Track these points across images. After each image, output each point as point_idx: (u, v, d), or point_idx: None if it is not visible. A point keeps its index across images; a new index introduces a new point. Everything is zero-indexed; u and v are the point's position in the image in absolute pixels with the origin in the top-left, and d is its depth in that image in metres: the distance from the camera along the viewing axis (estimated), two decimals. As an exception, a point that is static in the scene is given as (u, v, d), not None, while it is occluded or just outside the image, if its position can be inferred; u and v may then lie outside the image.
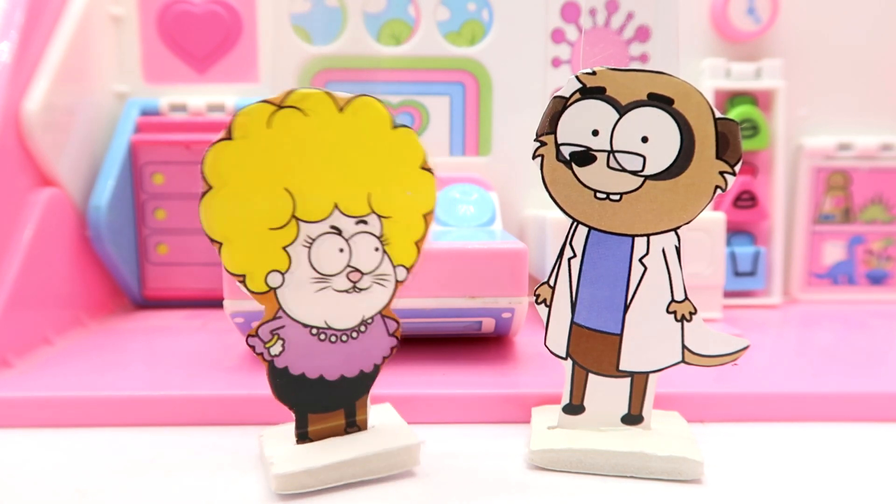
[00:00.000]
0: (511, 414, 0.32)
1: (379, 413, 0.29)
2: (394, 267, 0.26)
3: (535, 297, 0.28)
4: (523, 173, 0.53)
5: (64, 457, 0.29)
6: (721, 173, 0.25)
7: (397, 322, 0.27)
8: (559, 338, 0.28)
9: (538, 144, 0.26)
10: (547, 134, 0.26)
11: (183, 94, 0.52)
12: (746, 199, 0.53)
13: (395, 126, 0.25)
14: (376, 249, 0.26)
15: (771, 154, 0.53)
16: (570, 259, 0.27)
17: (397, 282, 0.26)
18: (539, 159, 0.27)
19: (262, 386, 0.33)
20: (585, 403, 0.28)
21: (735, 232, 0.53)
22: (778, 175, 0.53)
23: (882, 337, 0.45)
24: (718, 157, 0.25)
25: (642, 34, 0.53)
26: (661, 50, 0.52)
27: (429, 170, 0.26)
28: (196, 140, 0.49)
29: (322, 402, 0.27)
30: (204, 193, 0.24)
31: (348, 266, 0.26)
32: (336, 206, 0.25)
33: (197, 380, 0.35)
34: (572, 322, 0.28)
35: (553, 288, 0.28)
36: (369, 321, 0.27)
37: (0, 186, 0.39)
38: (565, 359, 0.28)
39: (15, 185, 0.41)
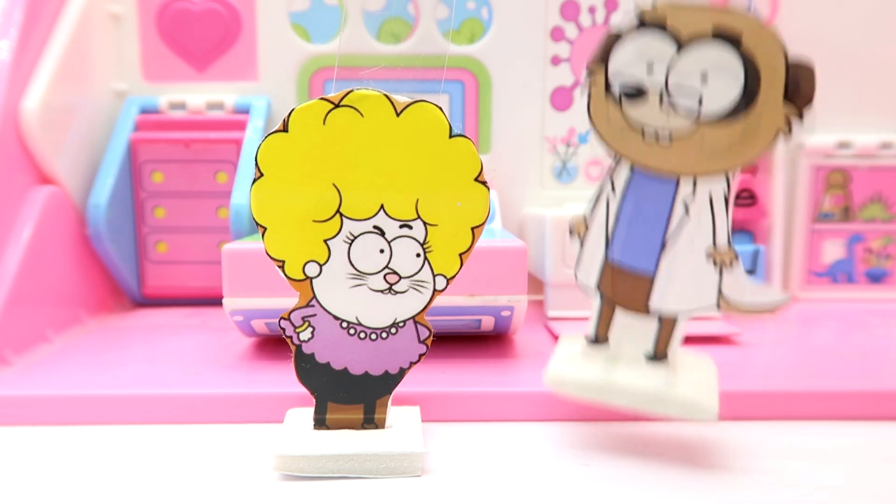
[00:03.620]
0: (510, 412, 0.32)
1: (403, 415, 0.29)
2: (434, 275, 0.26)
3: (568, 231, 0.28)
4: (523, 172, 0.54)
5: (62, 455, 0.29)
6: (787, 118, 0.24)
7: (430, 330, 0.27)
8: (590, 272, 0.27)
9: (587, 74, 0.25)
10: (597, 69, 0.25)
11: (182, 92, 0.52)
12: (746, 198, 0.53)
13: (453, 135, 0.25)
14: (417, 255, 0.26)
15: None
16: (608, 195, 0.26)
17: (435, 290, 0.26)
18: (585, 91, 0.26)
19: (261, 384, 0.33)
20: (610, 338, 0.28)
21: (734, 230, 0.53)
22: (777, 173, 0.53)
23: (881, 335, 0.45)
24: (786, 99, 0.24)
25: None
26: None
27: (484, 183, 0.26)
28: (195, 138, 0.49)
29: (343, 393, 0.27)
30: (255, 180, 0.25)
31: (387, 268, 0.26)
32: (382, 208, 0.26)
33: (196, 378, 0.35)
34: (605, 259, 0.27)
35: (588, 222, 0.27)
36: (401, 324, 0.27)
37: (-1, 185, 0.39)
38: (595, 293, 0.27)
39: (14, 184, 0.41)
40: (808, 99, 0.24)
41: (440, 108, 0.25)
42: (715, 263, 0.26)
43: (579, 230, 0.27)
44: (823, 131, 0.54)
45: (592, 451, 0.28)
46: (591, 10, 0.52)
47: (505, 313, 0.36)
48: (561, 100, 0.53)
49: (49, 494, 0.25)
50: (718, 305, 0.26)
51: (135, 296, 0.51)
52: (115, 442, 0.30)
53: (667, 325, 0.27)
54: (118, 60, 0.52)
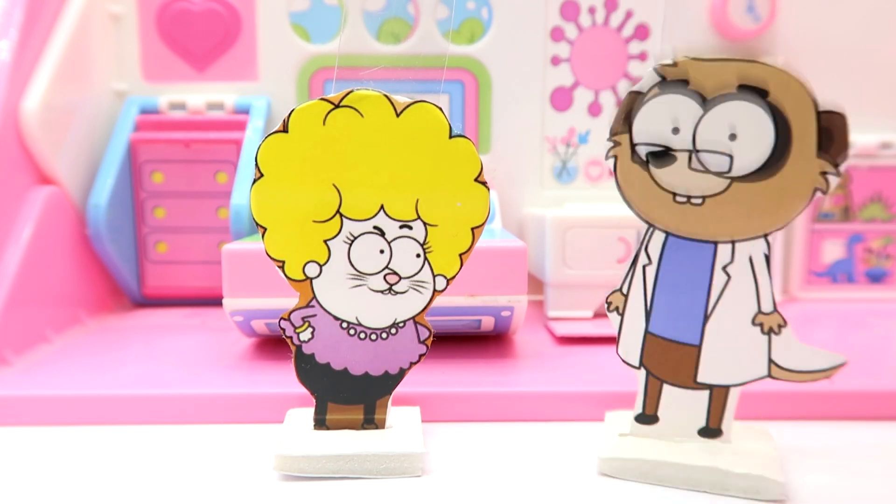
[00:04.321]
0: (510, 412, 0.32)
1: (403, 415, 0.29)
2: (434, 275, 0.26)
3: (606, 305, 0.26)
4: (523, 172, 0.54)
5: (62, 455, 0.29)
6: (822, 174, 0.23)
7: (430, 330, 0.27)
8: (632, 347, 0.26)
9: (611, 144, 0.25)
10: (621, 133, 0.24)
11: (182, 92, 0.52)
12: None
13: (453, 135, 0.25)
14: (417, 256, 0.26)
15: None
16: (644, 266, 0.25)
17: (435, 290, 0.26)
18: (612, 160, 0.25)
19: (261, 384, 0.33)
20: (660, 414, 0.26)
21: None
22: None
23: (881, 335, 0.45)
24: (820, 154, 0.23)
25: (641, 32, 0.53)
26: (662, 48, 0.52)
27: (483, 183, 0.26)
28: (195, 138, 0.49)
29: (343, 393, 0.27)
30: (255, 180, 0.25)
31: (387, 268, 0.26)
32: (382, 208, 0.26)
33: (196, 378, 0.35)
34: (647, 331, 0.26)
35: (626, 296, 0.26)
36: (401, 325, 0.27)
37: (-1, 185, 0.39)
38: (639, 368, 0.26)
39: (14, 184, 0.41)
40: (843, 149, 0.22)
41: (440, 109, 0.25)
42: (763, 330, 0.25)
43: (618, 305, 0.26)
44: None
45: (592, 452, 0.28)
46: (591, 11, 0.52)
47: (505, 313, 0.36)
48: (561, 100, 0.53)
49: (49, 494, 0.25)
50: (771, 374, 0.25)
51: (135, 296, 0.51)
52: (115, 442, 0.30)
53: (718, 398, 0.26)
54: (118, 60, 0.52)
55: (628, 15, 0.52)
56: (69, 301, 0.45)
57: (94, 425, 0.31)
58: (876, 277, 0.55)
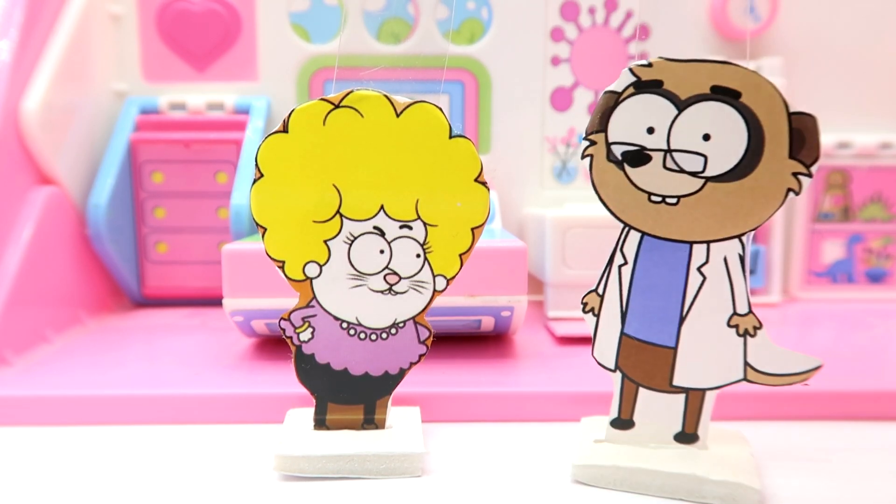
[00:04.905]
0: (510, 412, 0.32)
1: (403, 415, 0.29)
2: (433, 275, 0.26)
3: (582, 306, 0.26)
4: (523, 172, 0.54)
5: (62, 455, 0.29)
6: (795, 174, 0.23)
7: (429, 330, 0.27)
8: (607, 349, 0.26)
9: (587, 143, 0.25)
10: (597, 132, 0.25)
11: (182, 92, 0.52)
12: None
13: (453, 135, 0.25)
14: (417, 256, 0.26)
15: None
16: (620, 266, 0.25)
17: (435, 291, 0.26)
18: (588, 159, 0.25)
19: (261, 384, 0.33)
20: (635, 419, 0.26)
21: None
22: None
23: (881, 335, 0.45)
24: (792, 156, 0.23)
25: (642, 32, 0.53)
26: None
27: (483, 183, 0.26)
28: (195, 139, 0.49)
29: (343, 394, 0.27)
30: (255, 180, 0.25)
31: (387, 268, 0.26)
32: (382, 208, 0.26)
33: (196, 378, 0.35)
34: (622, 333, 0.26)
35: (601, 297, 0.26)
36: (401, 325, 0.27)
37: (-1, 185, 0.39)
38: (614, 371, 0.26)
39: (14, 184, 0.41)
40: (814, 153, 0.23)
41: (440, 109, 0.25)
42: (738, 332, 0.25)
43: (594, 306, 0.26)
44: (823, 131, 0.54)
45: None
46: (591, 11, 0.52)
47: (505, 313, 0.36)
48: (561, 100, 0.53)
49: (49, 494, 0.25)
50: (746, 377, 0.25)
51: (135, 296, 0.51)
52: (115, 442, 0.30)
53: (694, 401, 0.26)
54: (118, 61, 0.52)
55: (628, 15, 0.53)
56: (69, 301, 0.45)
57: (94, 425, 0.31)
58: (876, 277, 0.55)
